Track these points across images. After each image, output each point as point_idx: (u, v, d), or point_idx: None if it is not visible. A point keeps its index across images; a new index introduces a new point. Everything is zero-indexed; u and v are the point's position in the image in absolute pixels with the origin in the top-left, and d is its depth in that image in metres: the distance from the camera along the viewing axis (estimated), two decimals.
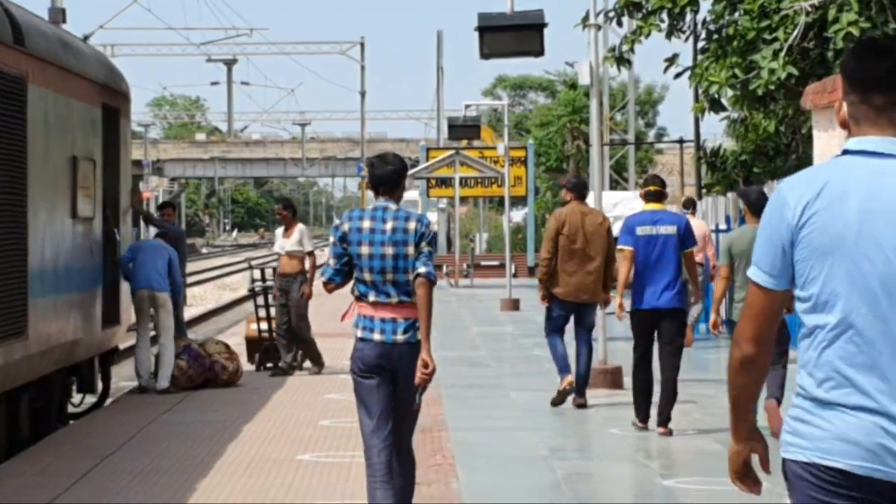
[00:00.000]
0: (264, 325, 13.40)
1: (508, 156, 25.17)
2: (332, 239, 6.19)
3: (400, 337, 5.85)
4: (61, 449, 9.63)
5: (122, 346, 14.32)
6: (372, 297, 5.86)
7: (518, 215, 39.28)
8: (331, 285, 6.11)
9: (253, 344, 13.46)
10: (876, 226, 2.77)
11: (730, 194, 17.68)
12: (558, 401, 10.22)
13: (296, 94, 79.64)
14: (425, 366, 5.74)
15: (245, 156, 67.06)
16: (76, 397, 12.24)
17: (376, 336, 5.85)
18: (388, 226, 5.95)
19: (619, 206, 19.54)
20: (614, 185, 32.80)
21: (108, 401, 12.70)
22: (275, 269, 13.20)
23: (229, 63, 43.25)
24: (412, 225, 5.98)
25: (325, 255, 8.66)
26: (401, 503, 5.95)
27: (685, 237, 9.34)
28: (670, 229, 9.17)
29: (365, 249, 5.93)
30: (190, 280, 24.61)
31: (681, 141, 25.49)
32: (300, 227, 13.11)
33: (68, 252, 11.46)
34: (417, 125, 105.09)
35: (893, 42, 3.05)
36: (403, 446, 6.00)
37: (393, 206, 6.05)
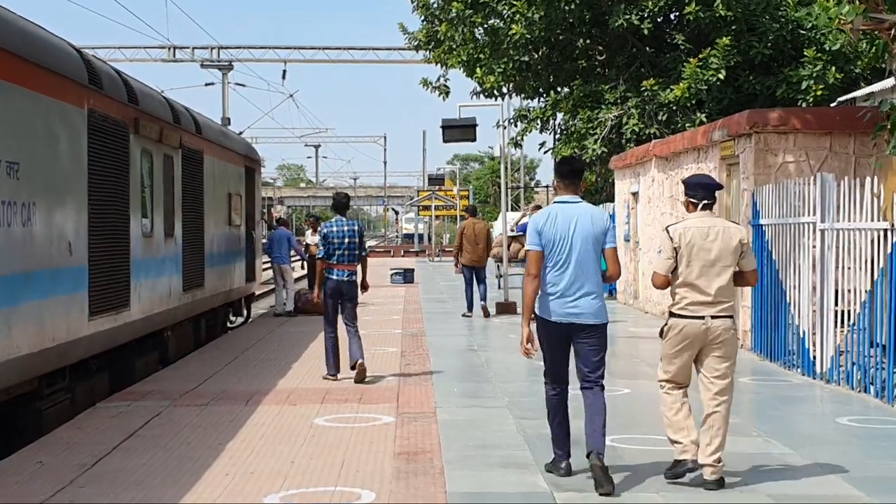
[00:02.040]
0: None
1: (459, 193, 38.78)
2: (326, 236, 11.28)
3: (346, 277, 11.37)
4: (220, 347, 14.68)
5: (257, 293, 21.98)
6: (335, 260, 11.26)
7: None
8: (321, 260, 11.35)
9: None
10: (572, 228, 6.72)
11: None
12: (467, 315, 18.58)
13: (295, 99, 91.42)
14: (364, 287, 11.57)
15: (321, 194, 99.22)
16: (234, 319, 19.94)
17: (334, 276, 11.31)
18: (346, 228, 11.35)
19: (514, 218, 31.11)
20: (514, 209, 49.15)
21: (250, 321, 20.04)
22: None
23: (224, 68, 43.75)
24: (355, 227, 11.45)
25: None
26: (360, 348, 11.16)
27: None
28: None
29: (336, 240, 11.27)
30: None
31: (547, 186, 39.08)
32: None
33: (225, 243, 17.33)
34: (410, 178, 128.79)
35: (573, 158, 7.15)
36: (351, 324, 11.34)
37: (345, 219, 11.47)
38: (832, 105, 19.13)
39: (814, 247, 11.43)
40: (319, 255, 11.52)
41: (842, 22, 10.47)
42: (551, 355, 7.02)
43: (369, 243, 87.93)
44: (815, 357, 11.41)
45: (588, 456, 6.77)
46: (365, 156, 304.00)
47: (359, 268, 11.52)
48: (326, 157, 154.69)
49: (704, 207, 6.97)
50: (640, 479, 7.03)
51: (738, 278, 7.01)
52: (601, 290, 7.01)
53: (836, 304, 11.14)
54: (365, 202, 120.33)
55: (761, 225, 13.10)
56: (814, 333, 11.45)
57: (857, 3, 10.40)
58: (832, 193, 11.13)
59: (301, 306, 19.95)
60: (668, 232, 6.95)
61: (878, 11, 10.33)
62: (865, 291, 10.37)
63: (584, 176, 7.20)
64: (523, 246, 8.33)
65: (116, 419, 9.22)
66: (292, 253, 21.94)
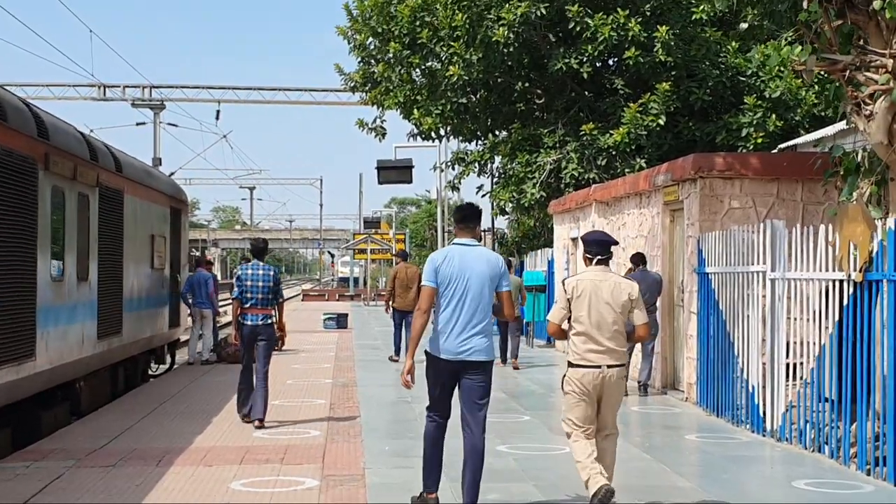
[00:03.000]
0: None
1: (395, 237, 38.20)
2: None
3: (260, 321, 11.21)
4: (137, 398, 13.74)
5: (182, 339, 21.00)
6: (249, 304, 11.15)
7: None
8: (237, 302, 11.18)
9: None
10: (466, 270, 7.06)
11: (511, 258, 28.46)
12: (394, 359, 18.18)
13: (228, 140, 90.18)
14: (280, 328, 11.50)
15: (262, 236, 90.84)
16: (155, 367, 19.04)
17: (249, 322, 11.15)
18: (261, 273, 11.28)
19: None
20: None
21: (174, 369, 18.92)
22: None
23: (156, 108, 42.55)
24: (270, 272, 11.34)
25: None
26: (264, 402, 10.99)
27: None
28: None
29: (250, 283, 11.15)
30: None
31: (485, 230, 38.65)
32: None
33: (147, 287, 16.56)
34: (347, 220, 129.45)
35: (469, 205, 7.40)
36: (261, 374, 11.13)
37: (262, 264, 11.37)
38: (774, 151, 18.86)
39: (763, 297, 10.95)
40: (234, 296, 11.45)
41: (794, 64, 10.04)
42: (437, 391, 7.26)
43: (304, 286, 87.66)
44: (764, 413, 10.88)
45: (425, 493, 7.22)
46: (301, 198, 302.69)
47: (274, 311, 11.52)
48: (262, 199, 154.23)
49: (599, 262, 7.48)
50: None
51: (630, 334, 7.42)
52: (490, 329, 7.32)
53: (787, 357, 10.65)
54: (301, 245, 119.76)
55: (707, 273, 12.62)
56: (763, 388, 10.94)
57: (810, 44, 9.99)
58: (783, 241, 10.67)
59: (226, 354, 19.04)
60: (563, 284, 7.40)
61: (831, 52, 9.92)
62: (819, 345, 9.86)
63: (479, 221, 7.56)
64: None
65: (12, 482, 8.36)
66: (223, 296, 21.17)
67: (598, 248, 7.56)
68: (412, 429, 11.03)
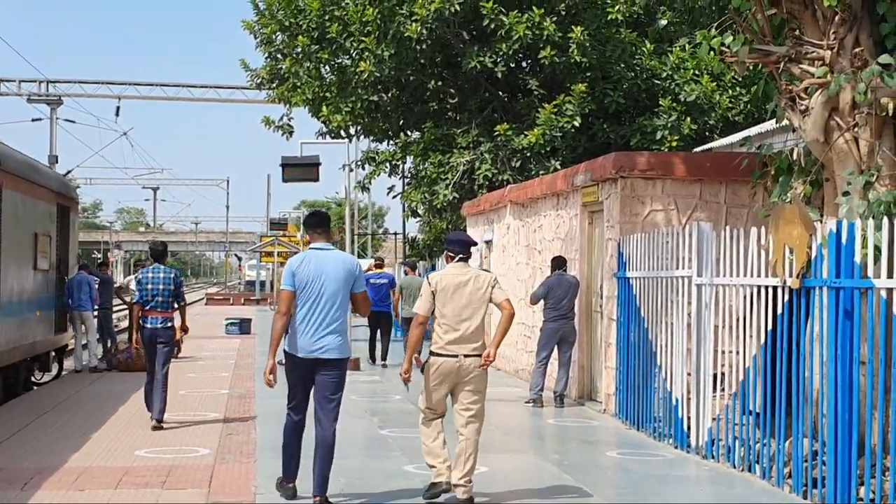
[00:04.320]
0: None
1: (303, 239, 37.05)
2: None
3: (160, 325, 11.19)
4: (15, 409, 12.70)
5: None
6: (149, 307, 11.18)
7: None
8: (138, 306, 11.34)
9: None
10: (322, 273, 7.46)
11: (420, 262, 27.71)
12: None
13: (129, 138, 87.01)
14: (184, 330, 11.91)
15: (161, 239, 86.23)
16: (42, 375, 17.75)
17: (149, 325, 11.17)
18: (162, 276, 11.30)
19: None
20: (361, 256, 47.93)
21: (62, 376, 18.01)
22: None
23: (53, 103, 40.55)
24: (171, 276, 11.38)
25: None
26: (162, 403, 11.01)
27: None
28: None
29: (151, 286, 11.21)
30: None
31: (395, 233, 38.04)
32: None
33: (28, 289, 15.39)
34: (255, 223, 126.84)
35: (318, 211, 8.15)
36: (160, 376, 11.09)
37: (163, 267, 11.42)
38: (695, 151, 18.38)
39: (689, 303, 10.31)
40: (136, 300, 11.63)
41: (725, 55, 9.40)
42: (295, 387, 7.71)
43: (210, 290, 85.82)
44: (689, 428, 10.22)
45: (314, 498, 7.47)
46: (207, 199, 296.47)
47: (176, 315, 11.66)
48: (165, 200, 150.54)
49: (460, 260, 7.99)
50: None
51: (498, 305, 7.90)
52: (345, 329, 7.77)
53: (714, 368, 10.02)
54: (207, 248, 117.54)
55: (628, 278, 11.96)
56: (688, 400, 10.28)
57: (742, 33, 9.35)
58: (710, 245, 10.04)
59: (118, 362, 17.88)
60: (427, 279, 7.93)
61: (764, 43, 9.30)
62: (749, 355, 9.22)
63: (328, 225, 8.07)
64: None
65: None
66: (115, 301, 20.06)
67: (460, 247, 8.05)
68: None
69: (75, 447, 9.88)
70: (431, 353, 7.81)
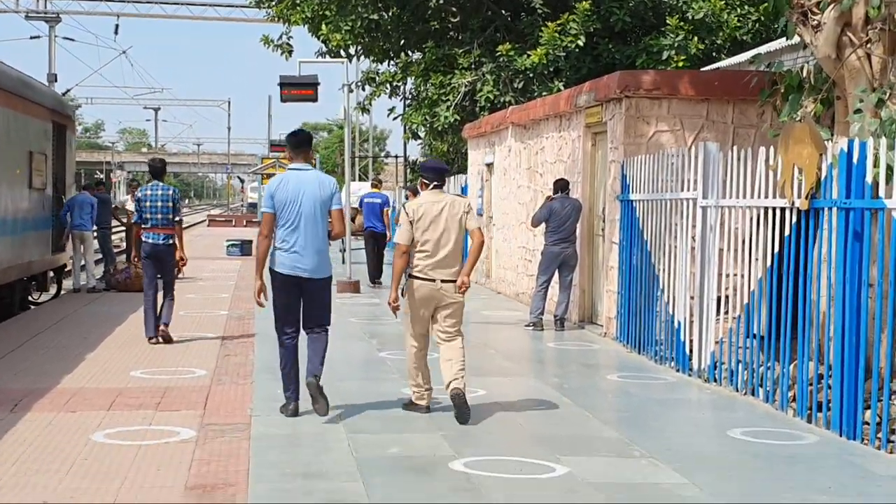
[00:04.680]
0: None
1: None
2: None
3: (161, 241, 11.31)
4: (9, 330, 12.55)
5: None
6: (150, 224, 11.25)
7: None
8: (136, 224, 11.66)
9: None
10: (300, 193, 7.58)
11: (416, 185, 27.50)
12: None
13: (129, 56, 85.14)
14: (180, 257, 11.47)
15: (169, 160, 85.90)
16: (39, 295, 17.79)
17: (150, 240, 11.26)
18: (160, 193, 11.32)
19: (361, 190, 29.26)
20: (363, 179, 47.25)
21: (60, 297, 17.99)
22: None
23: (51, 21, 39.61)
24: (170, 192, 11.39)
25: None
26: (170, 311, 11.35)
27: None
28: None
29: (149, 203, 11.27)
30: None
31: (396, 156, 37.30)
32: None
33: (23, 208, 15.15)
34: (257, 145, 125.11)
35: (301, 130, 7.97)
36: (168, 291, 11.42)
37: (161, 184, 11.40)
38: (703, 70, 18.01)
39: (694, 226, 10.09)
40: (135, 221, 11.72)
41: None
42: (283, 303, 7.83)
43: (213, 212, 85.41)
44: (691, 351, 10.08)
45: (307, 380, 7.68)
46: (208, 121, 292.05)
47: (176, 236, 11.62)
48: (167, 120, 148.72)
49: (435, 187, 8.13)
50: None
51: (471, 233, 8.07)
52: (326, 247, 7.94)
53: (717, 291, 9.84)
54: (209, 169, 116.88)
55: (631, 200, 11.73)
56: (691, 324, 10.13)
57: None
58: (717, 166, 9.79)
59: (116, 282, 17.74)
60: (405, 208, 8.04)
61: None
62: (755, 278, 9.04)
63: (310, 146, 8.17)
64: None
65: None
66: (113, 223, 19.88)
67: (434, 174, 8.19)
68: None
69: (69, 368, 9.75)
70: (410, 276, 7.97)
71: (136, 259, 11.57)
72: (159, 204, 11.43)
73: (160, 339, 11.36)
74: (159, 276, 11.52)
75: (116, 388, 8.79)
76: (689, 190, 10.16)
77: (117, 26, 42.29)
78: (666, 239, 10.73)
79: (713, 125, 12.20)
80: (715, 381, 9.60)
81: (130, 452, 6.63)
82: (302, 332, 7.89)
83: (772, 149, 8.73)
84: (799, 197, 8.25)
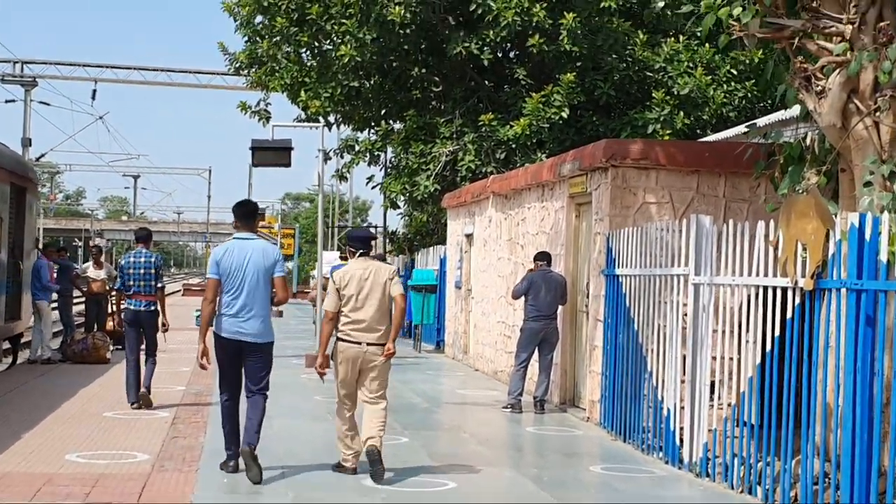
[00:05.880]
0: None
1: (282, 231, 36.30)
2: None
3: (143, 308, 11.61)
4: None
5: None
6: (133, 291, 11.56)
7: (289, 265, 63.72)
8: (119, 292, 12.08)
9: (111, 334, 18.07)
10: (244, 261, 7.97)
11: (400, 256, 26.70)
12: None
13: (105, 122, 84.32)
14: (163, 323, 11.75)
15: (144, 226, 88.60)
16: None
17: (132, 307, 11.56)
18: (143, 260, 11.67)
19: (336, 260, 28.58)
20: (340, 250, 49.04)
21: (15, 367, 16.91)
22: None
23: (27, 85, 40.15)
24: (152, 259, 11.73)
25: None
26: (150, 375, 11.48)
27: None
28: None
29: (132, 270, 11.60)
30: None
31: (376, 226, 36.82)
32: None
33: None
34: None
35: (248, 201, 8.45)
36: (150, 355, 11.60)
37: (145, 251, 11.75)
38: (701, 140, 17.44)
39: (685, 304, 9.35)
40: (117, 287, 12.06)
41: (734, 28, 8.42)
42: (225, 367, 8.15)
43: (192, 280, 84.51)
44: (682, 441, 9.26)
45: (241, 448, 7.95)
46: (189, 189, 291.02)
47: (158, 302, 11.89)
48: (146, 188, 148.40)
49: (361, 255, 8.52)
50: None
51: (392, 306, 8.37)
52: (268, 313, 8.25)
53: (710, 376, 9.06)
54: (190, 238, 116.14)
55: (617, 275, 10.99)
56: (682, 410, 9.32)
57: (753, 5, 8.38)
58: (711, 240, 9.09)
59: (73, 353, 16.80)
60: (332, 276, 8.45)
61: (777, 16, 8.33)
62: (752, 363, 8.27)
63: (256, 217, 8.54)
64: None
65: None
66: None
67: (360, 243, 8.56)
68: (264, 451, 9.12)
69: (0, 448, 8.85)
70: (338, 339, 8.29)
71: (119, 324, 11.91)
72: (142, 271, 11.72)
73: (140, 404, 11.49)
74: (143, 342, 11.78)
75: (46, 474, 7.90)
76: (680, 266, 9.44)
77: (94, 91, 41.83)
78: (655, 317, 9.98)
79: (704, 198, 11.53)
80: (708, 475, 8.77)
81: None
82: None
83: (771, 223, 8.04)
84: (803, 276, 7.54)
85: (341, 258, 20.65)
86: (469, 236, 19.21)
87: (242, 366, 8.15)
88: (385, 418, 8.30)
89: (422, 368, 17.92)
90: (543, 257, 12.71)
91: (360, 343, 8.20)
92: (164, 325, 11.92)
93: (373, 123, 24.23)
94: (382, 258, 21.20)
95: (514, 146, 20.93)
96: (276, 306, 8.58)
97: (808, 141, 8.82)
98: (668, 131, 20.56)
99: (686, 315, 9.31)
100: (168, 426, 10.48)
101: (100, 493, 7.34)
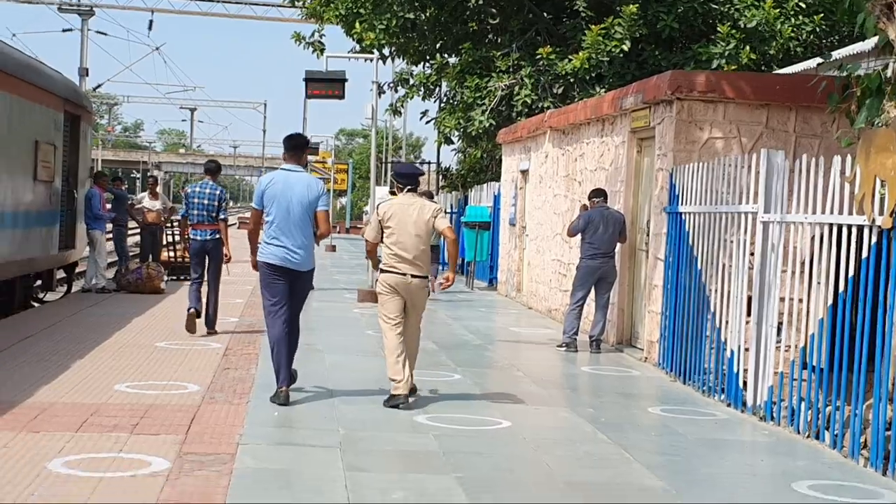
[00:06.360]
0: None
1: (335, 166, 37.09)
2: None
3: (208, 237, 11.92)
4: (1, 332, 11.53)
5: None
6: (196, 221, 11.85)
7: (342, 200, 64.62)
8: (184, 220, 12.52)
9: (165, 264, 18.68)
10: (288, 192, 8.16)
11: (453, 192, 26.33)
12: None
13: (162, 53, 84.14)
14: (226, 257, 12.05)
15: (201, 160, 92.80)
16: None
17: (198, 237, 11.89)
18: (208, 191, 11.94)
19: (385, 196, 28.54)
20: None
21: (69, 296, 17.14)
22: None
23: (84, 14, 39.66)
24: (217, 191, 11.99)
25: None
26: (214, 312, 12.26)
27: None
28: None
29: (196, 200, 11.88)
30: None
31: (429, 162, 36.58)
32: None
33: (25, 201, 14.16)
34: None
35: (299, 134, 8.67)
36: (213, 283, 12.04)
37: (210, 182, 12.12)
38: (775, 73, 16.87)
39: (752, 243, 8.98)
40: (182, 214, 12.56)
41: None
42: (271, 293, 8.32)
43: (247, 214, 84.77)
44: (745, 384, 8.95)
45: (279, 389, 8.12)
46: (244, 122, 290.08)
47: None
48: (203, 121, 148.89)
49: (409, 190, 8.62)
50: None
51: (444, 240, 8.73)
52: (311, 243, 8.43)
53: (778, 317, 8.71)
54: (245, 172, 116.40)
55: (680, 213, 10.63)
56: (746, 352, 9.00)
57: None
58: (781, 176, 8.68)
59: (126, 282, 16.79)
60: (377, 210, 8.65)
61: None
62: (823, 304, 7.91)
63: (305, 150, 8.72)
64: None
65: None
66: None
67: (407, 179, 8.66)
68: (315, 387, 8.98)
69: (47, 378, 8.76)
70: (381, 271, 8.49)
71: (185, 251, 12.18)
72: (206, 202, 12.02)
73: (209, 332, 12.00)
74: (207, 269, 12.14)
75: (93, 405, 7.77)
76: (748, 203, 9.05)
77: (151, 22, 41.66)
78: (719, 256, 9.62)
79: (773, 133, 11.10)
80: (772, 419, 8.47)
81: (88, 487, 5.60)
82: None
83: (848, 158, 7.62)
84: (881, 214, 7.14)
85: (390, 193, 20.39)
86: (524, 172, 18.85)
87: (287, 293, 8.29)
88: (415, 354, 8.56)
89: (474, 306, 17.71)
90: (599, 194, 12.35)
91: (404, 274, 8.37)
92: (226, 255, 12.24)
93: (428, 57, 23.77)
94: (430, 196, 21.07)
95: (572, 80, 20.40)
96: (318, 240, 8.64)
97: (888, 73, 8.33)
98: (733, 66, 19.88)
99: (753, 254, 8.96)
100: (220, 357, 10.36)
101: (148, 424, 7.19)
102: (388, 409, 8.19)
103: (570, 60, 20.25)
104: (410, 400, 8.31)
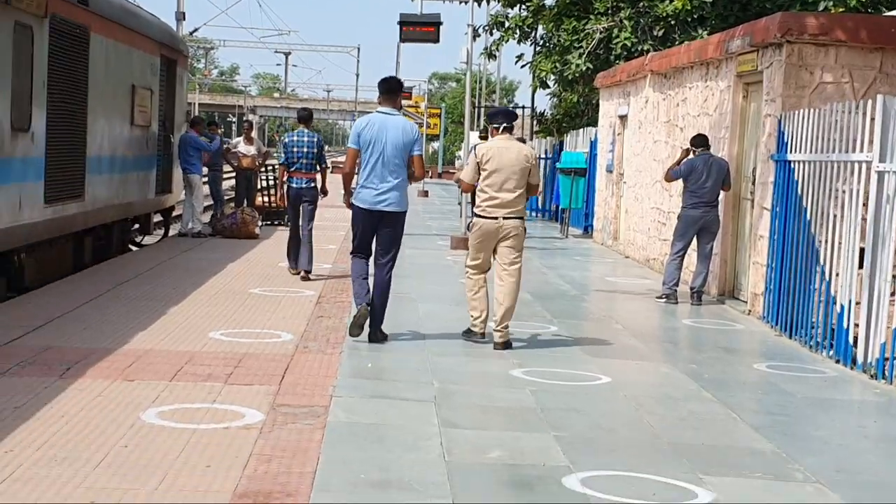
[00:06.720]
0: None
1: (428, 111, 37.11)
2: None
3: (304, 185, 12.16)
4: (95, 276, 11.79)
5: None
6: (294, 168, 12.08)
7: (435, 145, 64.94)
8: (283, 167, 12.32)
9: (260, 209, 18.78)
10: (383, 135, 8.26)
11: (548, 138, 25.86)
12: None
13: None
14: (323, 192, 12.35)
15: (295, 105, 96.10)
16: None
17: (294, 185, 12.08)
18: (306, 139, 12.07)
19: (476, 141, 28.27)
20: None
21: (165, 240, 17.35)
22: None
23: None
24: (314, 140, 12.14)
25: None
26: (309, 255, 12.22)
27: None
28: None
29: (296, 149, 12.06)
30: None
31: (523, 107, 35.99)
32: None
33: (124, 146, 14.19)
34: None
35: (394, 77, 8.71)
36: (307, 224, 12.09)
37: (307, 131, 12.18)
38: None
39: (866, 194, 8.55)
40: (281, 162, 12.52)
41: None
42: (361, 234, 8.52)
43: (339, 159, 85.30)
44: (856, 340, 8.57)
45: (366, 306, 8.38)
46: (337, 67, 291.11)
47: (318, 176, 12.50)
48: (297, 65, 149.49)
49: (504, 131, 8.65)
50: None
51: (530, 187, 8.67)
52: (405, 185, 8.47)
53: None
54: (339, 116, 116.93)
55: (789, 161, 10.20)
56: (857, 306, 8.60)
57: None
58: None
59: (222, 227, 16.87)
60: (475, 150, 8.62)
61: None
62: None
63: (400, 94, 8.73)
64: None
65: None
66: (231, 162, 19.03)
67: (504, 117, 8.73)
68: (408, 337, 8.85)
69: (142, 325, 8.76)
70: (475, 215, 8.60)
71: (282, 199, 12.60)
72: (305, 150, 12.19)
73: (300, 274, 12.23)
74: (301, 214, 12.32)
75: (188, 353, 7.73)
76: (862, 151, 8.61)
77: None
78: (830, 207, 9.20)
79: (887, 78, 10.59)
80: (884, 377, 8.10)
81: (182, 439, 5.53)
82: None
83: None
84: None
85: (481, 137, 20.13)
86: (623, 118, 18.40)
87: (376, 236, 8.48)
88: (518, 288, 8.55)
89: (569, 254, 17.43)
90: (702, 142, 11.94)
91: (496, 218, 8.44)
92: (323, 190, 12.53)
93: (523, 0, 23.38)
94: (523, 141, 20.74)
95: (673, 22, 19.91)
96: (412, 182, 8.72)
97: None
98: (840, 8, 19.12)
99: (866, 205, 8.54)
100: (313, 305, 10.31)
101: (242, 374, 7.12)
102: (483, 361, 8.02)
103: (672, 1, 19.74)
104: (505, 352, 8.30)
